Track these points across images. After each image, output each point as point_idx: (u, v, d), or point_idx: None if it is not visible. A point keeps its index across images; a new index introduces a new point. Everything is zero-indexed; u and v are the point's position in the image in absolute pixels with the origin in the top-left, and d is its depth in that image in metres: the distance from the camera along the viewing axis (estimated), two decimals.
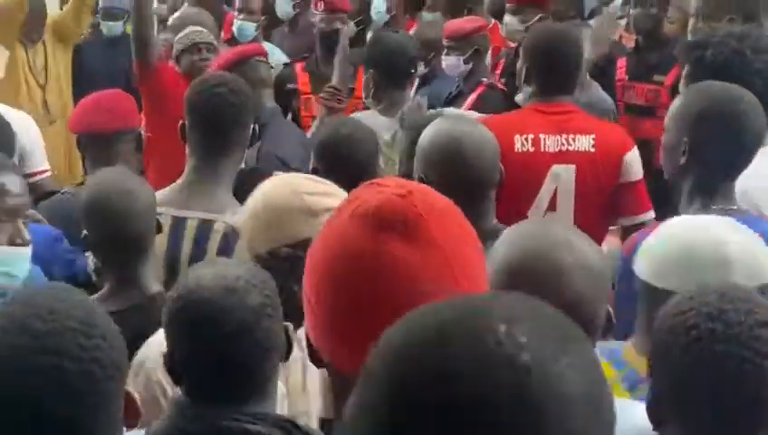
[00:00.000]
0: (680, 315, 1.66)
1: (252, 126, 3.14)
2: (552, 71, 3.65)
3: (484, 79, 5.09)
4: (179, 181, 3.12)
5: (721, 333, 1.62)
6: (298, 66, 5.42)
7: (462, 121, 3.01)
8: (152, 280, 2.75)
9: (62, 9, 7.28)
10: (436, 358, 0.84)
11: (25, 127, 4.23)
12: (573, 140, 3.58)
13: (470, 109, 4.80)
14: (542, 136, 3.59)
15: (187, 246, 2.99)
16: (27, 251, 2.75)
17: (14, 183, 2.70)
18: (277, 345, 1.97)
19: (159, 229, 2.83)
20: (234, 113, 3.07)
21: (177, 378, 1.96)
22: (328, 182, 2.37)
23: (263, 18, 6.23)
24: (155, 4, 8.11)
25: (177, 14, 5.77)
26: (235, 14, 6.29)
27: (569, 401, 0.83)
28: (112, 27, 6.51)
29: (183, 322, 1.95)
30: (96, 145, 3.61)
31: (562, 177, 3.57)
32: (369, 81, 4.41)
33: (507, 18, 5.49)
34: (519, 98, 3.88)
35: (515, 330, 0.85)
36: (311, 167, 3.25)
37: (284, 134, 3.80)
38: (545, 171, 3.58)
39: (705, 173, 2.71)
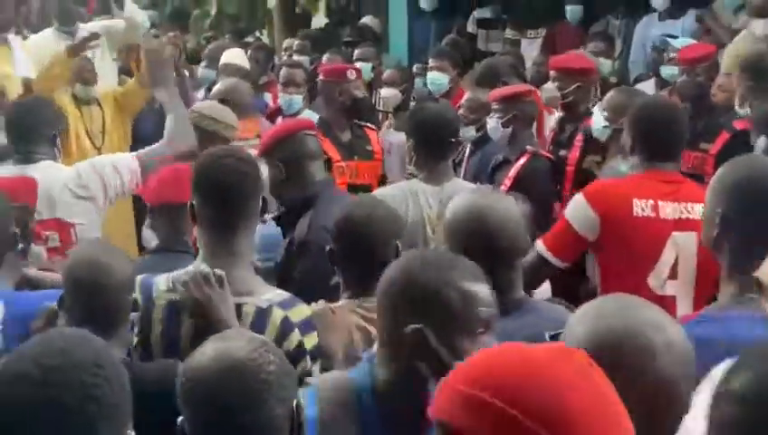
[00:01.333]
0: None
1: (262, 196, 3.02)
2: (663, 140, 3.68)
3: (529, 147, 5.11)
4: (195, 263, 2.93)
5: None
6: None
7: (488, 194, 3.03)
8: (120, 353, 2.72)
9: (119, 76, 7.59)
10: None
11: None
12: (692, 208, 3.56)
13: (515, 178, 4.86)
14: (660, 203, 3.59)
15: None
16: None
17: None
18: (278, 426, 2.00)
19: (135, 307, 2.83)
20: (247, 183, 2.93)
21: None
22: None
23: (307, 89, 6.44)
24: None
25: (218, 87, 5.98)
26: (280, 87, 6.50)
27: None
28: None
29: (187, 399, 2.01)
30: (170, 215, 3.70)
31: (683, 245, 3.55)
32: (410, 149, 4.46)
33: (547, 85, 5.59)
34: (623, 168, 3.88)
35: None
36: (327, 248, 3.13)
37: (335, 205, 3.81)
38: (665, 238, 3.57)
39: (739, 246, 2.62)
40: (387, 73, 7.09)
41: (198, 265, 2.89)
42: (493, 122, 5.20)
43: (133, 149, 6.41)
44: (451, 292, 2.12)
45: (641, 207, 3.58)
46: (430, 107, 4.81)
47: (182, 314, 2.86)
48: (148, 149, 4.62)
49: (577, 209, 3.65)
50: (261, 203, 2.98)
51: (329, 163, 5.22)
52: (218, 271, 2.80)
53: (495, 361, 1.38)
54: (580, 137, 5.20)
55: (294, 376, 2.10)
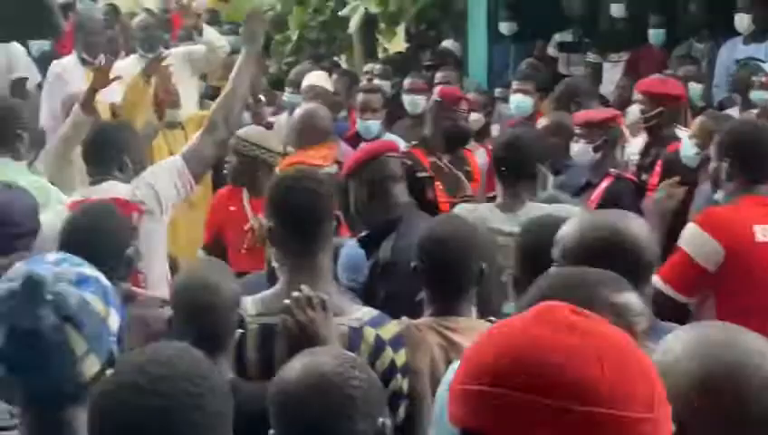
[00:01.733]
0: None
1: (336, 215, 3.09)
2: (760, 162, 3.63)
3: (613, 170, 5.09)
4: (279, 286, 2.98)
5: None
6: (418, 153, 5.52)
7: (611, 213, 2.86)
8: (226, 371, 2.77)
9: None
10: None
11: None
12: None
13: (599, 201, 4.84)
14: None
15: None
16: None
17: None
18: None
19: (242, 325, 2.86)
20: (323, 206, 2.99)
21: None
22: None
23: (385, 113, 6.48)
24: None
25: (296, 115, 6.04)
26: (357, 113, 6.54)
27: None
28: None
29: (276, 412, 2.09)
30: None
31: None
32: (494, 174, 4.48)
33: (631, 108, 5.56)
34: (719, 195, 3.78)
35: None
36: (412, 265, 3.14)
37: (418, 227, 3.82)
38: None
39: None
40: (470, 97, 7.09)
41: (282, 286, 2.94)
42: (580, 147, 5.17)
43: (216, 172, 6.56)
44: (603, 309, 2.02)
45: (762, 233, 3.51)
46: (511, 133, 4.83)
47: (276, 338, 2.89)
48: (190, 143, 4.63)
49: (696, 240, 3.56)
50: (335, 222, 3.05)
51: (431, 180, 5.25)
52: (321, 294, 2.82)
53: (483, 349, 1.33)
54: (660, 162, 5.16)
55: (383, 394, 2.13)
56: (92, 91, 5.56)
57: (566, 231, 2.63)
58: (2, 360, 2.09)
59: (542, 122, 5.92)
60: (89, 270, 2.17)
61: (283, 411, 2.07)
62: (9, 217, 3.56)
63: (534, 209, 4.20)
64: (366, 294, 3.64)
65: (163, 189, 4.38)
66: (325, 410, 2.03)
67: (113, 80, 5.83)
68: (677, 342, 1.64)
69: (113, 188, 4.37)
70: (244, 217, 5.32)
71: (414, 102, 7.05)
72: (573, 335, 1.29)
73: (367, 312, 2.93)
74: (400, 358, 2.86)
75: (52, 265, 2.13)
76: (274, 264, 3.07)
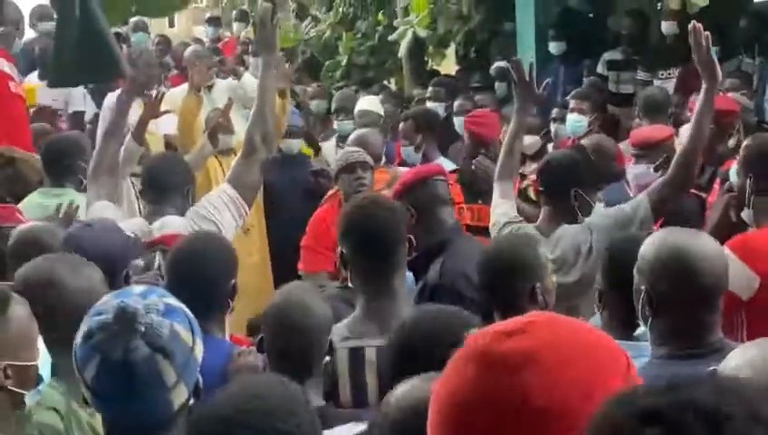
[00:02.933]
0: None
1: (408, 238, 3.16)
2: None
3: None
4: (360, 310, 3.09)
5: None
6: (451, 178, 5.56)
7: (687, 232, 2.89)
8: (316, 396, 2.77)
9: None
10: None
11: None
12: None
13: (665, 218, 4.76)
14: None
15: None
16: None
17: None
18: None
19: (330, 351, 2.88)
20: (395, 233, 3.10)
21: None
22: None
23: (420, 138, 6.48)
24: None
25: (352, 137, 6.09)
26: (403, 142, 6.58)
27: None
28: (291, 145, 6.94)
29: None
30: None
31: None
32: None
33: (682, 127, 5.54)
34: (745, 214, 3.75)
35: None
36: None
37: (466, 250, 3.85)
38: None
39: None
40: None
41: (362, 310, 3.05)
42: (642, 168, 5.12)
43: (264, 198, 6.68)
44: None
45: None
46: (555, 155, 4.82)
47: (365, 361, 2.96)
48: (232, 169, 4.55)
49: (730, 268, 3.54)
50: (408, 245, 3.13)
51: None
52: None
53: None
54: (718, 180, 5.11)
55: None
56: (144, 122, 5.62)
57: (644, 249, 2.73)
58: (94, 392, 2.14)
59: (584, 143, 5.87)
60: (174, 301, 2.21)
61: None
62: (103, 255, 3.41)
63: (562, 231, 4.15)
64: None
65: (221, 220, 4.36)
66: None
67: (164, 112, 5.90)
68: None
69: (170, 223, 4.40)
70: None
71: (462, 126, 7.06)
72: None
73: None
74: None
75: (139, 296, 2.18)
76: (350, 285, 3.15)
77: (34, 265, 3.06)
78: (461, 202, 5.50)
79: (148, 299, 2.16)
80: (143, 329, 2.09)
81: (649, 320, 2.70)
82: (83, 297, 2.72)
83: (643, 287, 2.70)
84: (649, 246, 2.76)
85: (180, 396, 2.11)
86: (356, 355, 2.98)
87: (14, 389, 2.55)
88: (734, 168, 4.85)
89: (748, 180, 3.62)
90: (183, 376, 2.11)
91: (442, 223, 4.02)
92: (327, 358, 2.89)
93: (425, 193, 4.04)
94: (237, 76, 7.92)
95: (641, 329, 2.90)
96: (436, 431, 1.31)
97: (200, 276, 3.24)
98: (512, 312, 2.78)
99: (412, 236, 3.20)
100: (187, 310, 2.21)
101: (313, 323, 2.83)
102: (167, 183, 4.57)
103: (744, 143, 3.84)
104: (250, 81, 7.87)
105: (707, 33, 3.71)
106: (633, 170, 5.21)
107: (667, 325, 2.69)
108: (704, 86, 3.92)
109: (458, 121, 7.14)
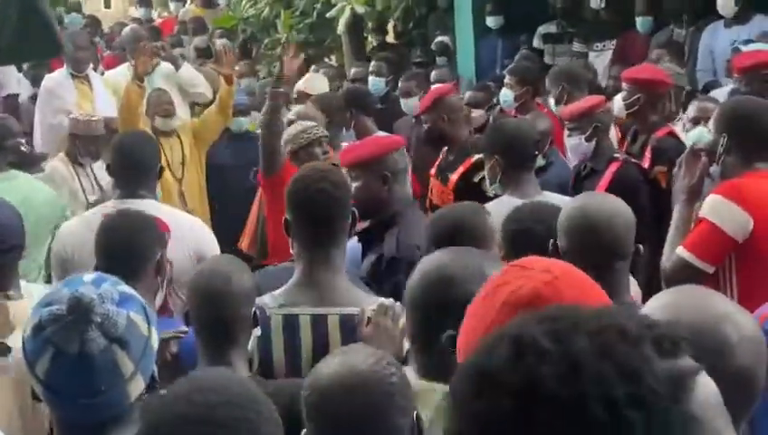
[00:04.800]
0: None
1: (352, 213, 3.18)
2: (762, 137, 3.65)
3: (618, 154, 5.14)
4: (296, 278, 3.09)
5: None
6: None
7: (597, 196, 3.03)
8: (243, 366, 2.82)
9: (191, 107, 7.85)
10: None
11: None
12: None
13: (607, 185, 4.82)
14: None
15: (334, 340, 3.01)
16: None
17: None
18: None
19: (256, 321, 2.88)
20: (338, 206, 3.10)
21: None
22: None
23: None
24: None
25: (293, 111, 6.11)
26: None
27: None
28: (240, 123, 6.98)
29: (312, 412, 2.06)
30: None
31: None
32: (494, 167, 4.44)
33: (617, 96, 5.65)
34: (714, 169, 3.79)
35: None
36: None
37: (417, 222, 3.85)
38: None
39: None
40: (470, 94, 7.13)
41: (299, 278, 3.06)
42: (574, 140, 5.19)
43: (208, 180, 6.68)
44: None
45: None
46: (510, 122, 4.88)
47: (300, 331, 2.99)
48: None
49: (722, 210, 3.58)
50: (351, 219, 3.14)
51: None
52: (397, 305, 2.91)
53: None
54: (649, 148, 5.21)
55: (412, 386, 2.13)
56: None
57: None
58: (48, 387, 2.04)
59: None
60: (128, 289, 2.13)
61: (320, 410, 2.04)
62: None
63: (551, 198, 4.07)
64: (368, 287, 3.72)
65: None
66: (366, 407, 2.00)
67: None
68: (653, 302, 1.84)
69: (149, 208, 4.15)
70: None
71: (409, 106, 7.24)
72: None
73: (379, 302, 3.00)
74: None
75: (92, 285, 2.08)
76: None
77: None
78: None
79: (102, 288, 2.07)
80: (99, 320, 2.01)
81: None
82: None
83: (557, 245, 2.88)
84: (564, 207, 2.95)
85: (137, 387, 2.05)
86: (291, 323, 3.00)
87: None
88: (698, 129, 4.95)
89: (722, 138, 3.69)
90: (140, 366, 2.04)
91: (401, 194, 3.99)
92: (258, 331, 2.91)
93: (386, 164, 3.97)
94: (176, 66, 7.90)
95: None
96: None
97: (125, 252, 3.21)
98: None
99: (356, 211, 3.21)
100: (140, 298, 2.14)
101: (235, 291, 2.83)
102: (140, 164, 4.31)
103: (721, 102, 3.92)
104: (187, 73, 7.90)
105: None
106: (568, 143, 5.29)
107: None
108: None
109: (403, 103, 7.32)
